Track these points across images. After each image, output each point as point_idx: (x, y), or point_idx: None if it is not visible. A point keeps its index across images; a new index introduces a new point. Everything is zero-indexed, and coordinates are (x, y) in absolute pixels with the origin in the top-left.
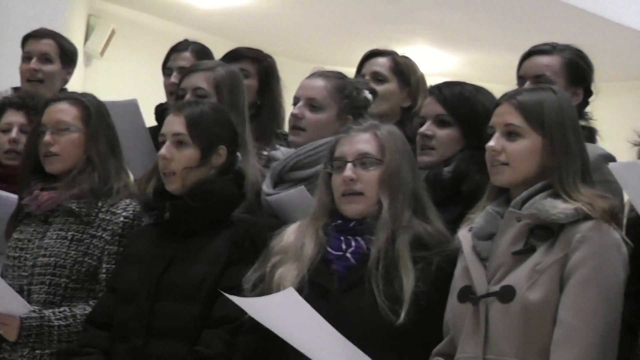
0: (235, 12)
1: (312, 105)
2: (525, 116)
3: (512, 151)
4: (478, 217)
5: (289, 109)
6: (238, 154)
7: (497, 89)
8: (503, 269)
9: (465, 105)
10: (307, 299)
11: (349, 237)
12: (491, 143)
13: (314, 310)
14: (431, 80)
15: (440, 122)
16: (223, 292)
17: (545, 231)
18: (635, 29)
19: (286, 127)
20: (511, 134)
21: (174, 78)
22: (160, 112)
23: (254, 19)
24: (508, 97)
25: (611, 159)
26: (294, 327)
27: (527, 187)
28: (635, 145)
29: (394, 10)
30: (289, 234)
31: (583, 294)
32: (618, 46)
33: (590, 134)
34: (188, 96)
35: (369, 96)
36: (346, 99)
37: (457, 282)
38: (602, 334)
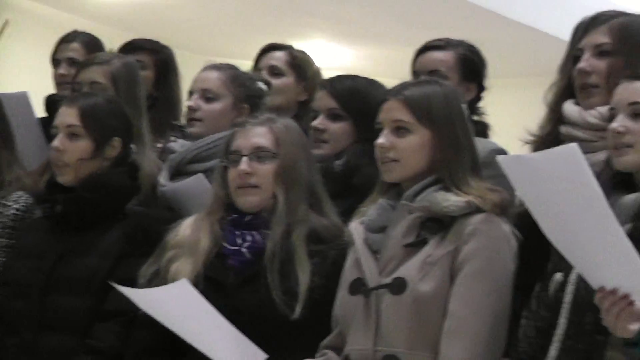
0: (133, 3)
1: (207, 96)
2: (413, 111)
3: (402, 147)
4: (370, 210)
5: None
6: (133, 145)
7: (394, 84)
8: (395, 261)
9: (357, 98)
10: (203, 294)
11: (244, 231)
12: (380, 140)
13: (206, 302)
14: (328, 75)
15: (333, 116)
16: (114, 284)
17: (437, 224)
18: (530, 26)
19: (184, 121)
20: (400, 129)
21: (62, 69)
22: (50, 103)
23: (152, 11)
24: (395, 92)
25: (503, 153)
26: (185, 320)
27: (418, 181)
28: (526, 143)
29: (291, 3)
30: (185, 228)
31: (473, 285)
32: (512, 42)
33: (483, 129)
34: (84, 90)
35: (263, 87)
36: (240, 87)
37: (348, 274)
38: (492, 325)
